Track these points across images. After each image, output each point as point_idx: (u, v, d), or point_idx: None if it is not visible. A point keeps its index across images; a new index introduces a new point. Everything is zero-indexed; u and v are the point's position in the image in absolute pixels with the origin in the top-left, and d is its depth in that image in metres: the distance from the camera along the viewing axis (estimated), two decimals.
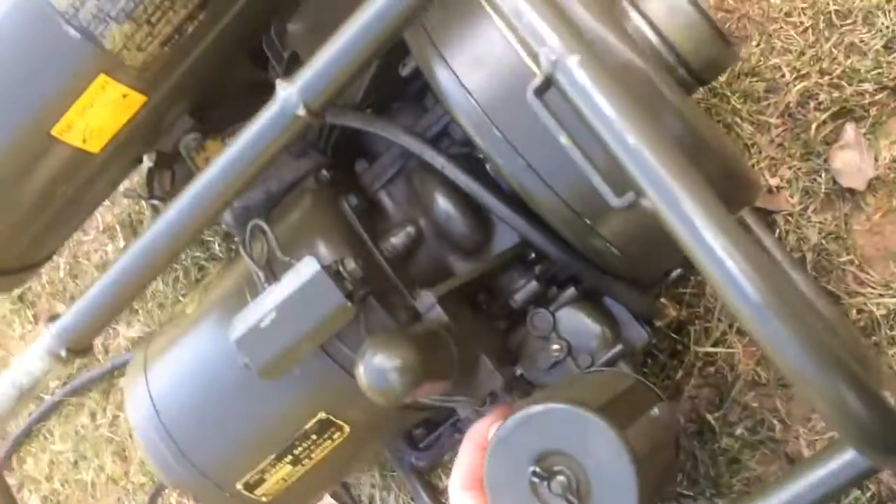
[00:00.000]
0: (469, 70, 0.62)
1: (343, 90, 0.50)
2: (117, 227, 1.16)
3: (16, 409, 0.60)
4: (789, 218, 0.86)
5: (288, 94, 0.49)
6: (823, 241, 0.85)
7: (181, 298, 1.12)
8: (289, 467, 0.77)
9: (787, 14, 0.87)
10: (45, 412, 1.21)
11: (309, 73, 0.49)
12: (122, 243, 1.17)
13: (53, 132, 0.63)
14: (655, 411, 0.63)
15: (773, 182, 0.87)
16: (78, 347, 0.58)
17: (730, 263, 0.39)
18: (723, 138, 0.72)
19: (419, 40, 0.65)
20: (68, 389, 1.18)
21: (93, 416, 1.19)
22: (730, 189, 0.68)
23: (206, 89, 0.73)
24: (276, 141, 0.50)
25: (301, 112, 0.49)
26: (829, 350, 0.40)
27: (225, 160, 0.51)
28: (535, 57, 0.43)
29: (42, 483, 1.23)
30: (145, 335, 1.14)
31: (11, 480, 1.25)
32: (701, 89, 0.77)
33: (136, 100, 0.64)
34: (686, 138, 0.61)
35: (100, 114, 0.63)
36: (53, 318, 0.59)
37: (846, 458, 0.42)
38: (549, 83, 0.43)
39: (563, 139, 0.44)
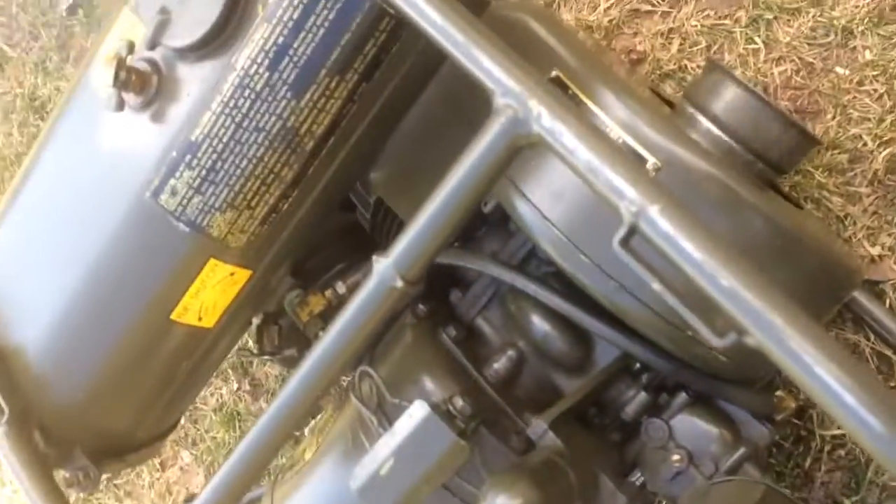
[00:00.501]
0: (550, 203, 0.65)
1: (436, 256, 0.53)
2: (229, 370, 1.22)
3: None
4: None
5: (384, 267, 0.52)
6: None
7: (295, 433, 1.15)
8: None
9: (859, 83, 0.86)
10: None
11: (402, 245, 0.52)
12: (235, 385, 1.22)
13: (173, 316, 0.68)
14: None
15: (875, 251, 0.85)
16: None
17: (849, 398, 0.39)
18: (812, 225, 0.71)
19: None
20: None
21: None
22: (831, 280, 0.67)
23: (305, 249, 0.77)
24: (377, 313, 0.53)
25: (399, 284, 0.52)
26: None
27: (332, 335, 0.54)
28: (616, 209, 0.45)
29: None
30: (268, 477, 1.18)
31: None
32: None
33: (243, 275, 0.69)
34: (774, 238, 0.61)
35: (212, 293, 0.68)
36: (190, 499, 0.62)
37: None
38: (633, 232, 0.45)
39: (656, 285, 0.45)
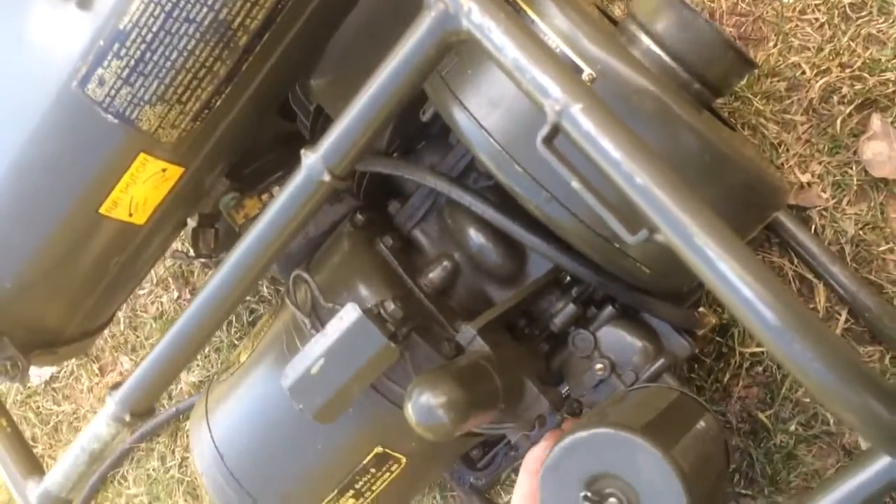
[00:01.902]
0: (486, 111, 0.64)
1: (365, 152, 0.53)
2: (169, 279, 1.22)
3: (88, 472, 0.64)
4: (824, 212, 0.86)
5: (313, 161, 0.52)
6: (861, 233, 0.85)
7: (236, 342, 1.16)
8: (352, 500, 0.80)
9: (802, 12, 0.87)
10: (117, 459, 1.27)
11: (330, 140, 0.52)
12: (175, 294, 1.22)
13: (101, 211, 0.67)
14: (702, 424, 0.63)
15: (805, 178, 0.87)
16: (140, 411, 0.62)
17: (746, 291, 0.40)
18: (744, 147, 0.72)
19: (435, 86, 0.67)
20: (137, 436, 1.24)
21: (162, 459, 1.24)
22: (756, 198, 0.69)
23: (240, 151, 0.76)
24: (305, 206, 0.53)
25: (326, 178, 0.52)
26: (851, 363, 0.41)
27: (261, 228, 0.54)
28: (540, 107, 0.45)
29: None
30: (204, 380, 1.19)
31: None
32: None
33: (175, 172, 0.68)
34: (704, 155, 0.62)
35: (142, 188, 0.67)
36: (116, 385, 0.63)
37: (881, 465, 0.43)
38: (556, 131, 0.45)
39: (575, 183, 0.45)
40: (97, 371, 1.29)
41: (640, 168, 0.43)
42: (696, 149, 0.62)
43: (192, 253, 0.84)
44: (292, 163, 0.89)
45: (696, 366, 0.92)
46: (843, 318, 0.86)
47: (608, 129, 0.44)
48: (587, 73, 0.61)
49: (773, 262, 0.89)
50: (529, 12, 0.62)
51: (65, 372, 1.32)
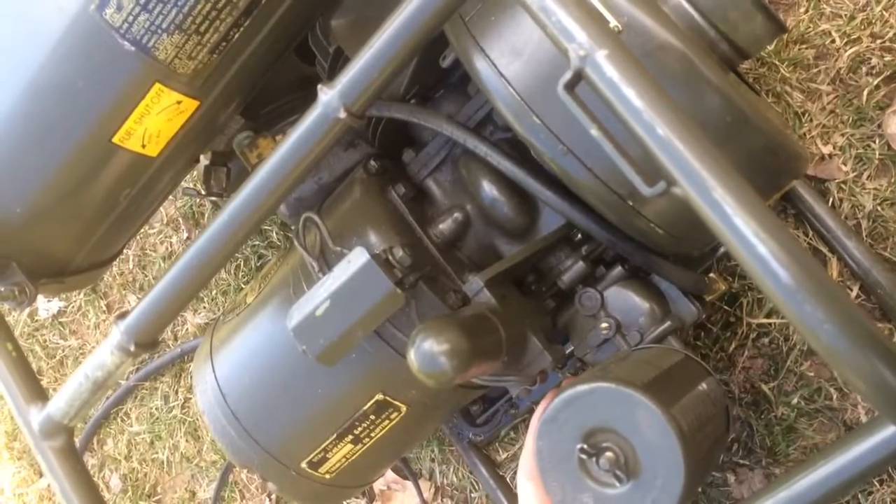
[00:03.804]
0: (507, 60, 0.63)
1: (382, 91, 0.52)
2: (180, 219, 1.21)
3: (91, 400, 0.65)
4: (843, 186, 0.85)
5: (329, 98, 0.51)
6: (879, 208, 0.84)
7: (243, 286, 1.16)
8: (350, 446, 0.80)
9: None
10: (121, 396, 1.28)
11: (348, 76, 0.51)
12: (185, 234, 1.22)
13: (114, 140, 0.67)
14: (703, 386, 0.63)
15: (826, 150, 0.86)
16: (146, 342, 0.62)
17: (761, 248, 0.40)
18: (766, 112, 0.71)
19: (457, 31, 0.66)
20: (142, 374, 1.25)
21: (166, 398, 1.26)
22: (775, 163, 0.68)
23: (256, 89, 0.75)
24: (319, 143, 0.53)
25: (342, 115, 0.51)
26: (863, 327, 0.40)
27: (273, 163, 0.54)
28: (564, 52, 0.44)
29: (121, 462, 1.30)
30: (210, 322, 1.20)
31: (93, 461, 1.33)
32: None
33: (190, 105, 0.67)
34: (726, 115, 0.61)
35: (156, 120, 0.67)
36: (122, 315, 0.63)
37: (887, 433, 0.42)
38: (579, 77, 0.44)
39: (594, 131, 0.44)
40: (104, 308, 1.30)
41: (662, 119, 0.42)
42: (719, 108, 0.61)
43: (203, 191, 0.83)
44: (308, 104, 0.90)
45: (702, 333, 0.91)
46: (854, 294, 0.85)
47: (632, 78, 0.43)
48: (613, 23, 0.59)
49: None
50: None
51: (73, 307, 1.33)
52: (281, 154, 0.54)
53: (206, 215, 1.21)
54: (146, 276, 1.26)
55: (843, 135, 0.85)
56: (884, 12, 0.83)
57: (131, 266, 1.27)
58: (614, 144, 0.44)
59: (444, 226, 0.78)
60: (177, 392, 1.25)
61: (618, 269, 0.75)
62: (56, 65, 0.65)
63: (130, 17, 0.62)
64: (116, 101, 0.65)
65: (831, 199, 0.85)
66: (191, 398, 1.24)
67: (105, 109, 0.65)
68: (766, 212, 0.41)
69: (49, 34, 0.64)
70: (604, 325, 0.74)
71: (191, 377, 1.22)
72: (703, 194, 0.41)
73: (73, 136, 0.66)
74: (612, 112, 0.44)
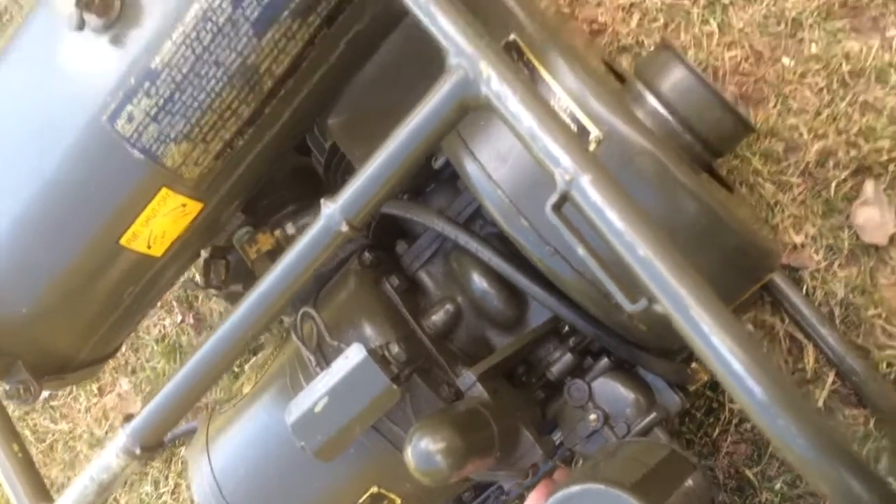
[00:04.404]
0: (496, 164, 0.67)
1: (381, 204, 0.55)
2: (174, 302, 1.23)
3: (95, 502, 0.66)
4: (815, 274, 0.89)
5: (331, 212, 0.55)
6: (850, 296, 0.88)
7: (236, 370, 1.18)
8: None
9: (802, 75, 0.90)
10: None
11: (349, 192, 0.54)
12: (179, 318, 1.24)
13: (122, 241, 0.69)
14: (689, 482, 0.65)
15: (798, 239, 0.90)
16: (151, 444, 0.64)
17: (736, 365, 0.43)
18: (739, 210, 0.75)
19: (448, 135, 0.70)
20: None
21: (156, 484, 1.25)
22: (749, 260, 0.72)
23: (257, 188, 0.79)
24: (321, 253, 0.56)
25: (344, 228, 0.54)
26: (831, 440, 0.43)
27: (278, 272, 0.56)
28: (551, 175, 0.48)
29: None
30: (204, 406, 1.20)
31: None
32: None
33: (194, 207, 0.70)
34: (700, 217, 0.65)
35: (162, 222, 0.70)
36: (128, 418, 0.65)
37: None
38: (564, 199, 0.48)
39: (581, 250, 0.48)
40: (96, 391, 1.30)
41: (643, 240, 0.45)
42: (693, 211, 0.65)
43: (202, 283, 0.86)
44: (304, 197, 0.93)
45: (686, 419, 0.93)
46: (829, 380, 0.88)
47: (614, 201, 0.46)
48: (594, 133, 0.64)
49: (766, 321, 0.91)
50: (542, 71, 0.65)
51: (63, 391, 1.33)
52: (285, 263, 0.56)
53: (200, 298, 1.23)
54: (139, 358, 1.27)
55: (814, 225, 0.89)
56: (847, 108, 0.88)
57: (124, 349, 1.28)
58: (600, 263, 0.47)
59: (437, 317, 0.80)
60: (167, 478, 1.25)
61: (604, 361, 0.77)
62: (68, 170, 0.68)
63: (140, 128, 0.65)
64: (125, 205, 0.68)
65: (805, 287, 0.89)
66: (181, 484, 1.24)
67: (114, 213, 0.68)
68: (740, 330, 0.44)
69: (62, 141, 0.68)
70: (592, 416, 0.76)
71: (181, 462, 1.23)
72: (681, 312, 0.44)
73: (81, 238, 0.69)
74: (596, 232, 0.47)
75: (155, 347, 1.25)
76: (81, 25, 0.64)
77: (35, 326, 0.72)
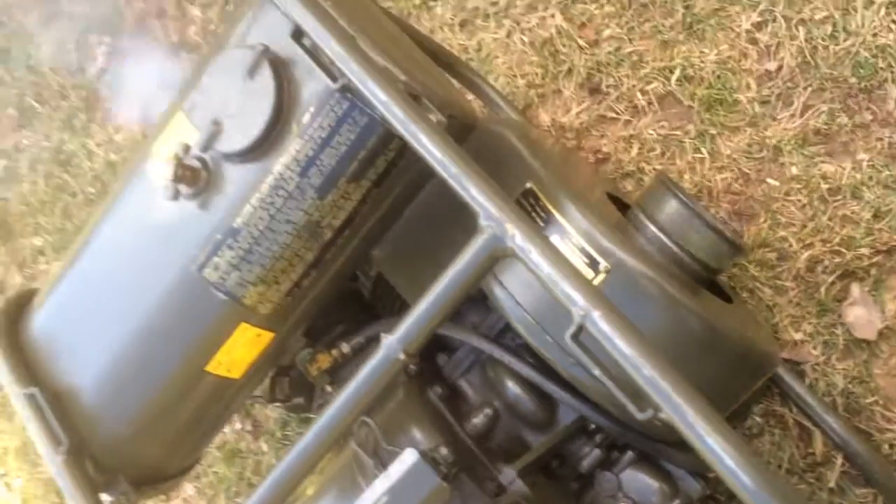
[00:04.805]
0: (521, 290, 0.79)
1: (432, 335, 0.67)
2: (235, 415, 1.35)
3: None
4: (816, 367, 0.99)
5: (390, 342, 0.67)
6: (850, 386, 0.97)
7: None
8: None
9: (787, 193, 1.03)
10: None
11: (405, 327, 0.66)
12: (237, 425, 1.35)
13: (207, 368, 0.82)
14: None
15: (797, 336, 1.00)
16: None
17: (728, 461, 0.53)
18: (737, 318, 0.86)
19: None
20: None
21: None
22: (748, 363, 0.82)
23: (317, 315, 0.91)
24: (381, 379, 0.67)
25: (401, 356, 0.66)
26: None
27: (343, 397, 0.68)
28: (568, 311, 0.60)
29: None
30: None
31: None
32: None
33: (267, 336, 0.83)
34: (700, 331, 0.76)
35: (240, 350, 0.82)
36: None
37: None
38: (581, 329, 0.59)
39: (597, 372, 0.59)
40: (163, 497, 1.40)
41: (647, 362, 0.56)
42: (694, 325, 0.76)
43: (268, 398, 0.98)
44: (355, 316, 1.06)
45: (710, 503, 1.02)
46: (839, 463, 0.96)
47: (622, 330, 0.58)
48: (603, 265, 0.76)
49: (776, 411, 1.01)
50: (556, 214, 0.78)
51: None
52: (352, 388, 0.68)
53: (256, 406, 1.34)
54: (202, 465, 1.37)
55: (810, 323, 1.00)
56: (829, 222, 1.00)
57: None
58: (613, 381, 0.59)
59: (478, 420, 0.91)
60: None
61: (629, 454, 0.87)
62: (162, 312, 0.81)
63: (224, 275, 0.79)
64: (211, 338, 0.81)
65: (808, 380, 0.99)
66: None
67: (201, 344, 0.81)
68: (729, 431, 0.54)
69: (158, 287, 0.81)
70: None
71: None
72: (682, 419, 0.55)
73: (174, 367, 0.82)
74: (609, 356, 0.58)
75: (216, 454, 1.36)
76: (176, 196, 0.78)
77: (134, 444, 0.84)
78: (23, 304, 0.93)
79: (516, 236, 0.62)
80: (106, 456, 0.83)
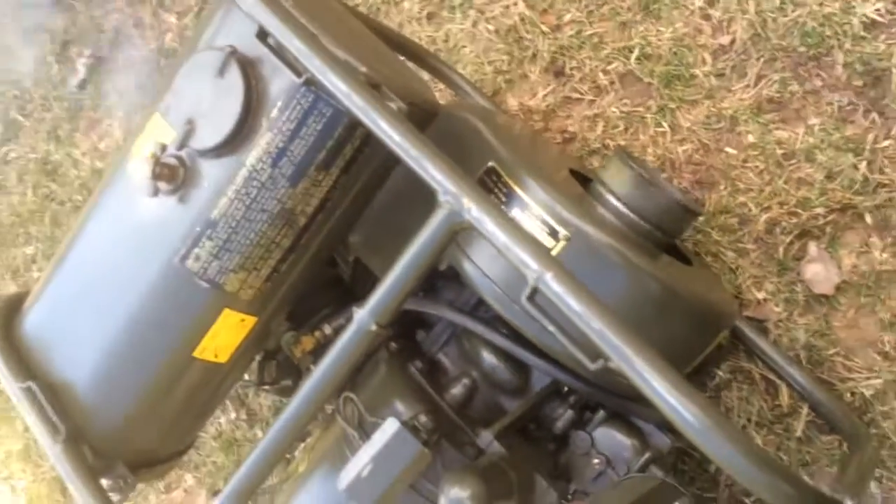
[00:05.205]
0: (489, 264, 0.84)
1: (402, 305, 0.72)
2: (227, 402, 1.39)
3: None
4: (779, 323, 1.03)
5: (362, 315, 0.71)
6: (811, 340, 1.02)
7: (287, 457, 1.32)
8: None
9: (744, 161, 1.07)
10: None
11: (375, 299, 0.71)
12: (232, 415, 1.39)
13: (195, 354, 0.86)
14: None
15: (760, 296, 1.05)
16: None
17: (673, 400, 0.57)
18: (697, 279, 0.91)
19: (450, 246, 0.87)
20: None
21: None
22: (706, 320, 0.87)
23: (298, 298, 0.96)
24: (356, 351, 0.72)
25: (373, 327, 0.71)
26: (760, 452, 0.57)
27: (321, 369, 0.72)
28: (524, 275, 0.64)
29: None
30: (267, 488, 1.34)
31: None
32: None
33: (250, 321, 0.87)
34: (658, 291, 0.81)
35: (226, 335, 0.87)
36: (216, 493, 0.80)
37: None
38: (535, 291, 0.64)
39: (551, 328, 0.64)
40: (163, 488, 1.45)
41: (595, 316, 0.61)
42: (651, 286, 0.81)
43: (256, 381, 1.02)
44: (336, 301, 1.10)
45: (686, 458, 1.06)
46: (804, 413, 1.01)
47: (572, 290, 0.62)
48: (563, 233, 0.80)
49: (742, 367, 1.05)
50: (517, 189, 0.83)
51: (134, 492, 1.48)
52: (328, 360, 0.73)
53: (249, 395, 1.39)
54: (200, 455, 1.42)
55: (771, 282, 1.04)
56: (785, 185, 1.04)
57: None
58: (566, 336, 0.63)
59: (456, 391, 0.96)
60: None
61: (601, 413, 0.92)
62: (149, 302, 0.85)
63: (206, 265, 0.83)
64: (196, 325, 0.85)
65: (772, 336, 1.03)
66: None
67: (188, 332, 0.86)
68: (672, 372, 0.59)
69: (143, 280, 0.85)
70: (595, 461, 0.90)
71: None
72: (628, 365, 0.59)
73: (164, 355, 0.86)
74: (562, 312, 0.63)
75: (213, 444, 1.40)
76: (155, 192, 0.82)
77: (129, 430, 0.89)
78: (16, 304, 0.97)
79: (472, 209, 0.66)
80: (103, 442, 0.88)
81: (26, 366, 0.90)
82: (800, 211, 1.03)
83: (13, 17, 1.93)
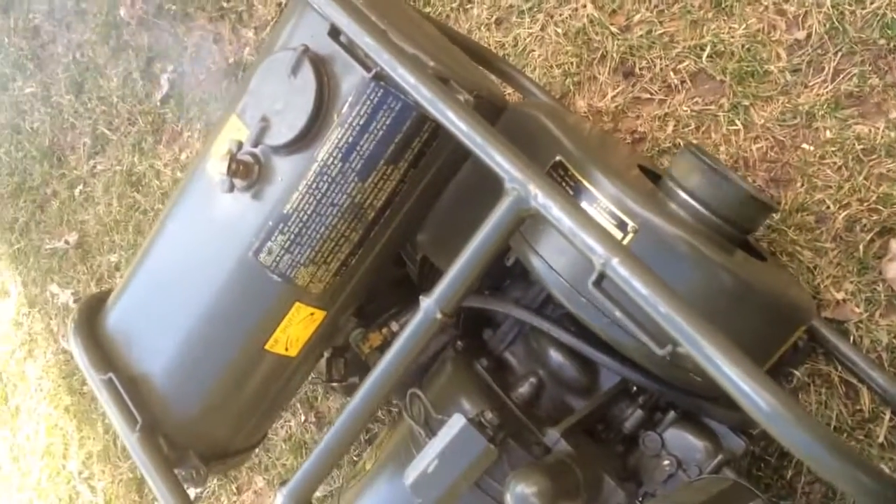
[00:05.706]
0: (555, 257, 0.83)
1: (467, 295, 0.72)
2: (297, 405, 1.42)
3: None
4: (860, 325, 0.99)
5: (427, 304, 0.72)
6: (894, 341, 0.97)
7: (354, 458, 1.34)
8: None
9: (822, 157, 1.04)
10: None
11: (441, 287, 0.71)
12: (302, 418, 1.42)
13: (266, 347, 0.88)
14: None
15: (839, 296, 1.01)
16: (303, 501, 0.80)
17: (745, 386, 0.56)
18: (771, 275, 0.88)
19: (515, 239, 0.87)
20: None
21: None
22: (782, 315, 0.84)
23: (366, 295, 0.97)
24: (422, 339, 0.72)
25: (439, 316, 0.71)
26: (838, 440, 0.55)
27: (388, 358, 0.73)
28: (590, 260, 0.64)
29: None
30: (327, 494, 1.36)
31: None
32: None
33: (320, 315, 0.89)
34: (730, 285, 0.79)
35: (296, 329, 0.88)
36: (284, 482, 0.81)
37: None
38: (602, 276, 0.63)
39: (618, 314, 0.63)
40: (235, 490, 1.48)
41: (663, 300, 0.60)
42: (725, 279, 0.78)
43: (325, 378, 1.04)
44: (404, 300, 1.11)
45: (762, 465, 1.03)
46: (887, 418, 0.96)
47: (638, 274, 0.61)
48: (631, 225, 0.79)
49: (821, 370, 1.01)
50: (584, 183, 0.82)
51: (207, 492, 1.52)
52: (396, 347, 0.73)
53: (319, 399, 1.41)
54: (270, 457, 1.44)
55: (851, 282, 1.00)
56: (864, 181, 1.00)
57: (257, 450, 1.46)
58: (634, 322, 0.62)
59: (523, 389, 0.95)
60: None
61: (672, 414, 0.90)
62: (224, 296, 0.88)
63: (278, 258, 0.85)
64: (268, 318, 0.87)
65: (852, 337, 0.99)
66: None
67: (260, 325, 0.88)
68: (744, 359, 0.57)
69: (219, 273, 0.88)
70: (666, 462, 0.88)
71: None
72: (697, 350, 0.58)
73: (237, 347, 0.89)
74: (629, 297, 0.62)
75: (283, 446, 1.43)
76: (231, 188, 0.84)
77: (203, 422, 0.91)
78: (99, 302, 1.02)
79: (538, 195, 0.66)
80: (177, 433, 0.91)
81: (107, 359, 0.94)
82: (881, 207, 0.99)
83: (102, 37, 2.04)
